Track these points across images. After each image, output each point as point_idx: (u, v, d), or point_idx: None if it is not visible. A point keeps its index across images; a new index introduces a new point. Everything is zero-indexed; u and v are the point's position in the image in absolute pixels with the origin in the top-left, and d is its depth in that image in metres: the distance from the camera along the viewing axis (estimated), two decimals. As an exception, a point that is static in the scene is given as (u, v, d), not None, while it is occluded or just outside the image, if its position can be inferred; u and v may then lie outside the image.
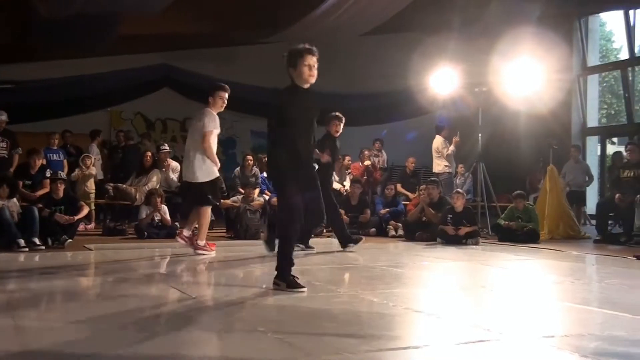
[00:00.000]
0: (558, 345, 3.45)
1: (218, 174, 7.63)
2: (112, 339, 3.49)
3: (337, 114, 8.64)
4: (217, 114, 7.50)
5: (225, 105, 7.58)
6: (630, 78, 15.70)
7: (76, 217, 8.76)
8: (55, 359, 3.15)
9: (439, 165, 12.38)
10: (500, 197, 11.83)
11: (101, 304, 4.81)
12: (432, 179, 11.31)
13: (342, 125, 8.63)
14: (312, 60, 5.50)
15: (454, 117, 14.67)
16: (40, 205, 8.65)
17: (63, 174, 9.67)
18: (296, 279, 4.97)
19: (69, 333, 3.65)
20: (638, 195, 9.44)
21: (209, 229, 11.38)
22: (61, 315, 4.31)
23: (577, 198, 12.31)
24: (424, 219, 10.26)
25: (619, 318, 4.15)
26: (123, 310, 4.32)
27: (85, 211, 9.26)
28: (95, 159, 12.64)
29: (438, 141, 12.44)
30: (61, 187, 8.94)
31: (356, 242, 8.48)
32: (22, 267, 6.83)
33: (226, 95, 7.55)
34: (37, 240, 8.13)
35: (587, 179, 13.15)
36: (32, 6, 11.34)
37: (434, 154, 12.41)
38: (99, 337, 3.56)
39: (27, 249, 7.90)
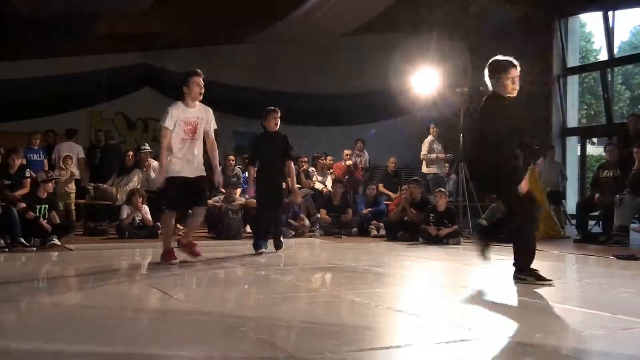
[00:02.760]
0: (539, 344, 3.46)
1: (172, 174, 6.72)
2: (92, 339, 3.46)
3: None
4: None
5: (202, 92, 6.81)
6: (609, 79, 15.84)
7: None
8: (34, 358, 3.12)
9: (426, 167, 12.64)
10: (483, 198, 11.87)
11: (81, 303, 4.77)
12: (414, 178, 11.34)
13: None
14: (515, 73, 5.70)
15: (436, 117, 14.73)
16: (24, 206, 8.61)
17: (57, 174, 9.65)
18: (538, 272, 5.47)
19: (47, 333, 3.62)
20: (617, 195, 9.52)
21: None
22: (40, 315, 4.27)
23: (553, 198, 12.40)
24: (405, 218, 10.29)
25: (599, 317, 4.18)
26: (103, 310, 4.29)
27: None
28: (80, 158, 12.58)
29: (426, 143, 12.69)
30: (51, 187, 9.00)
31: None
32: (1, 268, 6.76)
33: (200, 79, 6.81)
34: (22, 240, 8.09)
35: (560, 179, 13.28)
36: (11, 5, 11.25)
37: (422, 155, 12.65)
38: (77, 336, 3.53)
39: (7, 249, 7.85)
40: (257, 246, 7.91)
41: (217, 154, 7.21)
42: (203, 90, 6.85)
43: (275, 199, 8.14)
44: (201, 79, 6.83)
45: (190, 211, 7.22)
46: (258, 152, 8.35)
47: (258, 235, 8.11)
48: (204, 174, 6.99)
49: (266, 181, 8.10)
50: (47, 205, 8.90)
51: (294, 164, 8.84)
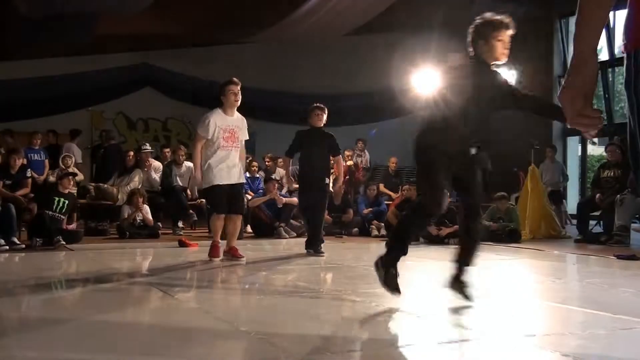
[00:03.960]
0: (539, 344, 3.47)
1: (214, 182, 6.95)
2: (92, 340, 3.47)
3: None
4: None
5: (238, 100, 7.16)
6: (610, 79, 15.83)
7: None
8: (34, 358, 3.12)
9: None
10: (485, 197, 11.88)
11: (81, 303, 4.77)
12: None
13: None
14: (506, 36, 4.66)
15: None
16: (26, 204, 8.74)
17: (76, 170, 9.76)
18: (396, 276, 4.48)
19: (48, 333, 3.62)
20: (618, 195, 9.52)
21: (191, 228, 11.41)
22: (40, 314, 4.27)
23: (554, 198, 12.41)
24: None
25: (600, 317, 4.18)
26: (104, 310, 4.30)
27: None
28: (77, 162, 12.61)
29: None
30: (71, 182, 9.33)
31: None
32: (1, 268, 6.77)
33: (237, 88, 7.17)
34: (16, 240, 8.10)
35: (562, 179, 13.30)
36: (12, 5, 11.25)
37: None
38: (78, 336, 3.53)
39: (7, 248, 7.85)
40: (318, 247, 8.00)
41: (245, 164, 7.63)
42: (239, 98, 7.17)
43: (320, 198, 8.18)
44: (237, 87, 7.17)
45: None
46: (300, 149, 8.34)
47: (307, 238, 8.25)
48: (243, 181, 7.39)
49: (311, 179, 8.12)
50: (66, 201, 8.96)
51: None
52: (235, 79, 7.25)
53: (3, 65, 14.28)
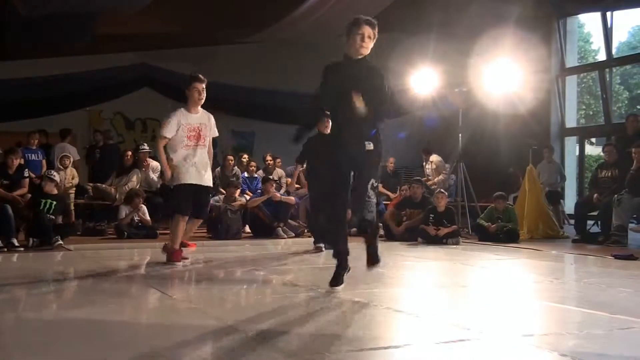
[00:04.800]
0: (537, 344, 3.47)
1: (182, 181, 6.72)
2: (90, 339, 3.47)
3: None
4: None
5: (202, 98, 6.84)
6: (607, 79, 15.84)
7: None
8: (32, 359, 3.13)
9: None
10: (482, 197, 11.90)
11: (78, 303, 4.77)
12: (416, 178, 11.32)
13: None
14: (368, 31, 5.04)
15: (437, 118, 14.76)
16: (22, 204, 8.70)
17: (54, 172, 9.66)
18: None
19: (45, 333, 3.62)
20: (615, 195, 9.53)
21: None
22: (38, 315, 4.27)
23: (552, 198, 12.42)
24: (404, 218, 10.29)
25: (597, 317, 4.18)
26: (101, 310, 4.30)
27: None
28: (74, 160, 12.60)
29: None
30: (51, 185, 9.09)
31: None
32: None
33: (202, 85, 6.82)
34: (15, 242, 8.10)
35: (559, 179, 13.31)
36: (10, 5, 11.24)
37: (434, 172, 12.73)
38: (76, 336, 3.53)
39: (5, 249, 7.85)
40: (316, 242, 8.28)
41: (211, 162, 7.17)
42: (203, 97, 6.86)
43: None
44: (202, 85, 6.84)
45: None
46: (310, 154, 8.39)
47: (316, 234, 8.44)
48: (211, 184, 7.06)
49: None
50: (54, 202, 8.93)
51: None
52: (201, 76, 6.90)
53: (2, 65, 14.27)
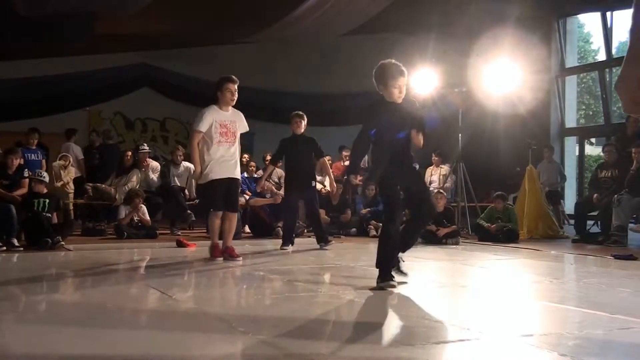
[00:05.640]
0: (537, 344, 3.47)
1: (211, 177, 7.01)
2: (90, 339, 3.47)
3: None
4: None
5: (235, 98, 7.15)
6: (607, 79, 15.85)
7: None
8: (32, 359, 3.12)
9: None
10: (482, 197, 11.92)
11: (78, 304, 4.77)
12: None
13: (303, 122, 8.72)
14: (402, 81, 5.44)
15: (437, 118, 14.74)
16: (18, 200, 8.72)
17: (44, 173, 9.61)
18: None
19: (46, 334, 3.62)
20: (615, 196, 9.53)
21: (189, 229, 11.39)
22: (39, 315, 4.27)
23: (552, 198, 12.43)
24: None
25: (597, 317, 4.18)
26: (101, 311, 4.30)
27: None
28: (79, 159, 12.63)
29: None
30: (41, 186, 8.97)
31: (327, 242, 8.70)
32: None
33: (234, 86, 7.13)
34: (15, 242, 8.10)
35: (559, 179, 13.32)
36: (10, 5, 11.24)
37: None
38: (76, 337, 3.53)
39: (5, 249, 7.85)
40: (284, 244, 8.52)
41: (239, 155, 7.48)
42: (235, 96, 7.14)
43: (308, 194, 8.69)
44: (234, 85, 7.12)
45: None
46: (284, 155, 8.87)
47: (286, 235, 8.67)
48: (239, 177, 7.36)
49: (296, 182, 8.62)
50: (47, 200, 8.92)
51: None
52: (233, 77, 7.22)
53: (1, 65, 14.27)
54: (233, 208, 7.28)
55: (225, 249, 7.15)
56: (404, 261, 5.49)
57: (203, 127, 6.95)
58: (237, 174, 7.20)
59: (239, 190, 7.73)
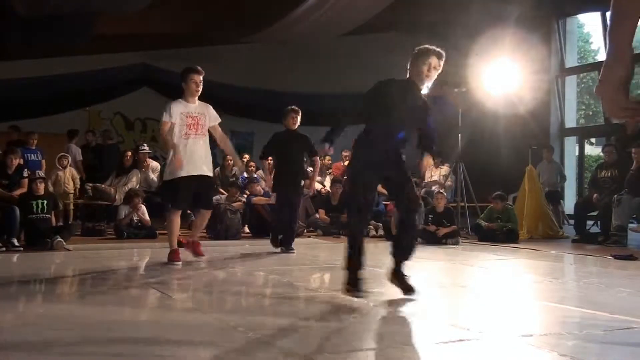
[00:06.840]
0: (537, 344, 3.47)
1: (177, 175, 6.57)
2: (90, 340, 3.47)
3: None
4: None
5: (199, 90, 6.79)
6: (607, 79, 15.83)
7: None
8: (31, 359, 3.13)
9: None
10: (483, 198, 11.91)
11: (78, 304, 4.77)
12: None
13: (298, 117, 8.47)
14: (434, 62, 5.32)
15: (437, 118, 14.74)
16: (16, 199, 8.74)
17: (42, 173, 9.61)
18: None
19: (45, 333, 3.62)
20: (615, 196, 9.54)
21: (189, 229, 11.36)
22: (37, 315, 4.27)
23: (552, 198, 12.44)
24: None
25: (597, 317, 4.19)
26: (101, 311, 4.30)
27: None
28: (77, 160, 12.63)
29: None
30: (41, 186, 8.96)
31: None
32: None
33: (199, 77, 6.79)
34: (15, 242, 8.10)
35: (559, 179, 13.33)
36: (10, 5, 11.24)
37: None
38: (76, 337, 3.53)
39: (4, 249, 7.85)
40: (274, 243, 8.27)
41: (230, 143, 7.29)
42: (200, 88, 6.84)
43: (295, 196, 8.32)
44: (199, 76, 6.84)
45: (189, 212, 7.18)
46: (275, 149, 8.47)
47: (274, 234, 8.42)
48: (211, 174, 6.96)
49: (286, 178, 8.23)
50: (44, 201, 8.89)
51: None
52: (198, 68, 6.90)
53: (1, 65, 14.26)
54: (207, 206, 6.99)
55: (192, 242, 6.95)
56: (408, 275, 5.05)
57: (171, 117, 6.63)
58: (208, 171, 6.79)
59: (214, 188, 7.35)
